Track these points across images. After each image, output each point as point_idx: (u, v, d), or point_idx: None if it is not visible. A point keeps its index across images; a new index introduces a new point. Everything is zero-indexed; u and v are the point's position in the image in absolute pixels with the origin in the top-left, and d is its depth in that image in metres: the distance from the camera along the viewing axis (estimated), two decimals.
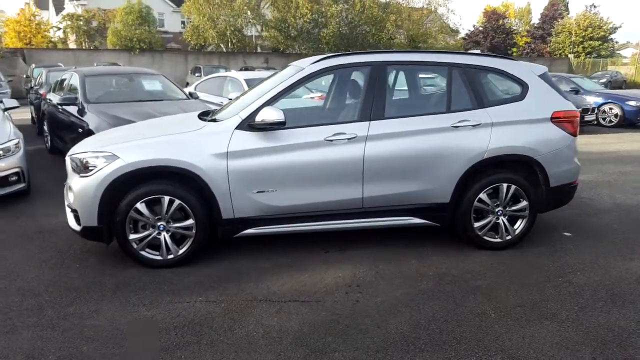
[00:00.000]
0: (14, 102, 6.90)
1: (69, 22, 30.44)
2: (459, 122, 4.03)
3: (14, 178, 5.41)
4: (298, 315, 3.15)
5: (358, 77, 4.31)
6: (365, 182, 3.95)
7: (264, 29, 33.02)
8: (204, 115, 4.44)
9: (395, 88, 4.50)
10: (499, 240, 4.24)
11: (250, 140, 3.80)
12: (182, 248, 3.85)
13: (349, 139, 3.88)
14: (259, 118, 3.74)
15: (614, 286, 3.61)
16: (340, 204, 3.99)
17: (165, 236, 3.81)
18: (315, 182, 3.90)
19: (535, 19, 50.31)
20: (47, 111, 8.51)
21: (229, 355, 2.73)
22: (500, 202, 4.17)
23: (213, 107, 5.85)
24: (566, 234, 4.76)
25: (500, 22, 46.18)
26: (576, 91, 12.72)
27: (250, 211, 3.87)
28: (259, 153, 3.80)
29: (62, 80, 8.41)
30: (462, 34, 45.32)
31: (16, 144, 5.52)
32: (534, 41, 45.97)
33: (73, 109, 7.05)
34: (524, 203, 4.19)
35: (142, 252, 3.81)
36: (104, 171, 3.66)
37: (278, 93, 3.92)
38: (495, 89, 4.27)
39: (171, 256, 3.84)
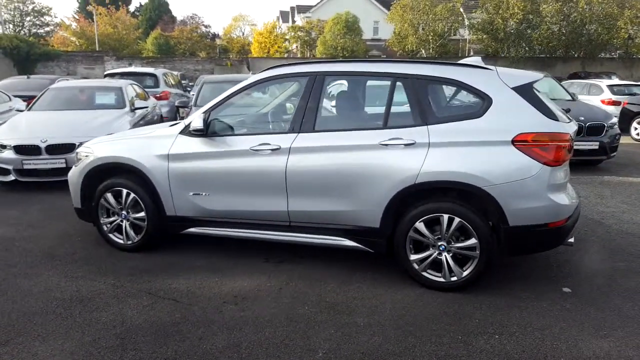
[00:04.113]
0: (143, 103, 8.58)
1: (292, 33, 34.70)
2: (390, 139, 3.56)
3: None
4: (155, 312, 3.36)
5: (299, 87, 4.16)
6: (290, 196, 3.85)
7: (471, 32, 31.67)
8: None
9: (336, 99, 4.17)
10: (441, 279, 3.59)
11: (189, 144, 4.11)
12: (138, 236, 4.42)
13: (272, 150, 3.84)
14: (191, 125, 4.04)
15: None
16: (267, 215, 3.99)
17: (125, 224, 4.43)
18: (242, 190, 3.99)
19: None
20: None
21: (63, 329, 3.15)
22: (441, 235, 3.53)
23: None
24: (565, 289, 3.70)
25: None
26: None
27: (189, 211, 4.20)
28: (195, 157, 4.09)
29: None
30: None
31: None
32: None
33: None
34: (472, 241, 3.45)
35: (111, 235, 4.51)
36: (84, 162, 4.48)
37: (219, 101, 4.14)
38: (448, 103, 3.59)
39: (130, 242, 4.44)
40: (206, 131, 3.98)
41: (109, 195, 4.40)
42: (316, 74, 3.89)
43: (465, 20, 30.64)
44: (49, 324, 3.23)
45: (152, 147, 4.24)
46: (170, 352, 2.90)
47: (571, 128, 3.59)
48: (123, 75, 12.03)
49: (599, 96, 14.59)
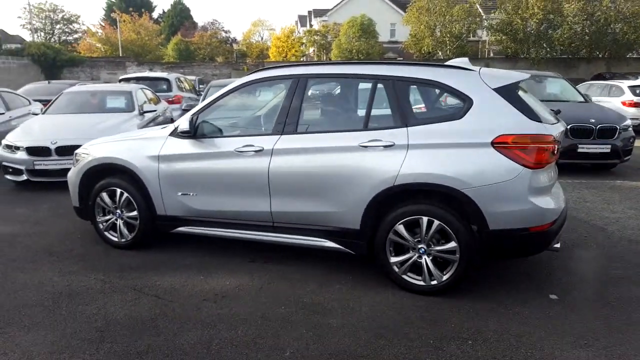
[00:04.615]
0: (152, 107, 8.78)
1: (308, 37, 34.91)
2: (369, 141, 3.58)
3: None
4: (136, 308, 3.46)
5: (283, 90, 4.19)
6: (273, 197, 3.91)
7: (489, 33, 31.27)
8: None
9: (318, 102, 4.20)
10: (421, 283, 3.59)
11: (178, 146, 4.21)
12: (131, 234, 4.53)
13: (255, 151, 3.90)
14: (179, 127, 4.13)
15: None
16: (251, 216, 4.05)
17: (120, 223, 4.55)
18: (228, 191, 4.06)
19: None
20: None
21: (49, 321, 3.28)
22: (421, 238, 3.52)
23: None
24: (552, 296, 3.64)
25: None
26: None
27: (178, 211, 4.29)
28: (183, 159, 4.18)
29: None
30: None
31: None
32: None
33: None
34: (452, 244, 3.44)
35: (106, 233, 4.64)
36: (81, 163, 4.63)
37: (206, 104, 4.22)
38: (429, 104, 3.58)
39: (124, 240, 4.56)
40: (194, 133, 4.07)
41: (105, 195, 4.53)
42: (299, 77, 3.93)
43: (484, 21, 30.28)
44: (36, 316, 3.36)
45: (144, 148, 4.35)
46: (144, 345, 2.98)
47: (556, 129, 3.54)
48: (138, 80, 12.30)
49: (620, 98, 14.23)
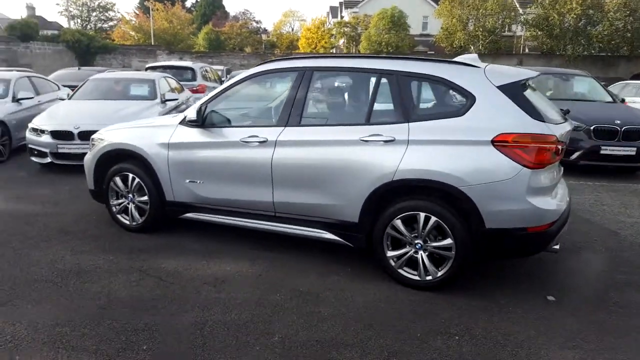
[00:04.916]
0: (174, 95, 8.97)
1: (338, 29, 34.80)
2: (370, 136, 3.60)
3: None
4: (139, 288, 3.61)
5: (289, 82, 4.23)
6: (275, 187, 3.98)
7: (524, 28, 30.50)
8: None
9: (322, 94, 4.23)
10: (417, 278, 3.61)
11: (187, 134, 4.33)
12: (142, 218, 4.70)
13: (259, 142, 3.98)
14: (187, 116, 4.25)
15: None
16: (253, 205, 4.14)
17: (131, 207, 4.72)
18: (233, 179, 4.16)
19: None
20: None
21: (56, 296, 3.46)
22: (418, 234, 3.54)
23: None
24: (549, 298, 3.61)
25: None
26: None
27: (186, 197, 4.42)
28: (191, 147, 4.30)
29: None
30: None
31: None
32: None
33: None
34: (448, 241, 3.45)
35: (119, 216, 4.82)
36: (96, 148, 4.81)
37: (215, 94, 4.33)
38: (432, 100, 3.58)
39: (135, 223, 4.73)
40: (202, 122, 4.18)
41: (118, 179, 4.70)
42: (304, 69, 3.98)
43: (519, 15, 29.52)
44: (45, 291, 3.54)
45: (155, 135, 4.48)
46: (142, 324, 3.12)
47: (560, 129, 3.49)
48: (164, 68, 12.56)
49: None
